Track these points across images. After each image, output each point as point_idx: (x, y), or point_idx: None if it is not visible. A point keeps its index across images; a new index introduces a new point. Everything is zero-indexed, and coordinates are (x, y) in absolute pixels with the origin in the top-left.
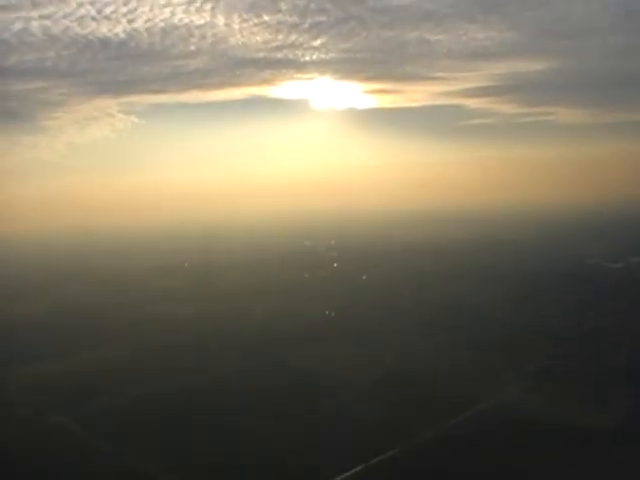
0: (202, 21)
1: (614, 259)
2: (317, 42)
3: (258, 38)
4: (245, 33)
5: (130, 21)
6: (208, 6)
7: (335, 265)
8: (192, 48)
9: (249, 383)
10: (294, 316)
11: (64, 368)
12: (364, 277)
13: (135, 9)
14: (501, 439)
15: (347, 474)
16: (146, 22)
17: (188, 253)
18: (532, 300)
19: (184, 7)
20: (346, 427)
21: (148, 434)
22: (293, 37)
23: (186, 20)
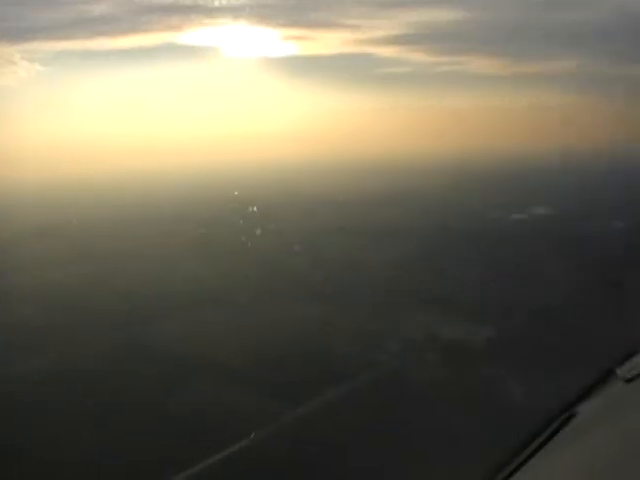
0: None
1: (518, 210)
2: None
3: None
4: None
5: None
6: None
7: (241, 222)
8: None
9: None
10: (165, 281)
11: None
12: (258, 232)
13: None
14: None
15: None
16: None
17: (77, 209)
18: (424, 258)
19: None
20: None
21: None
22: None
23: None
